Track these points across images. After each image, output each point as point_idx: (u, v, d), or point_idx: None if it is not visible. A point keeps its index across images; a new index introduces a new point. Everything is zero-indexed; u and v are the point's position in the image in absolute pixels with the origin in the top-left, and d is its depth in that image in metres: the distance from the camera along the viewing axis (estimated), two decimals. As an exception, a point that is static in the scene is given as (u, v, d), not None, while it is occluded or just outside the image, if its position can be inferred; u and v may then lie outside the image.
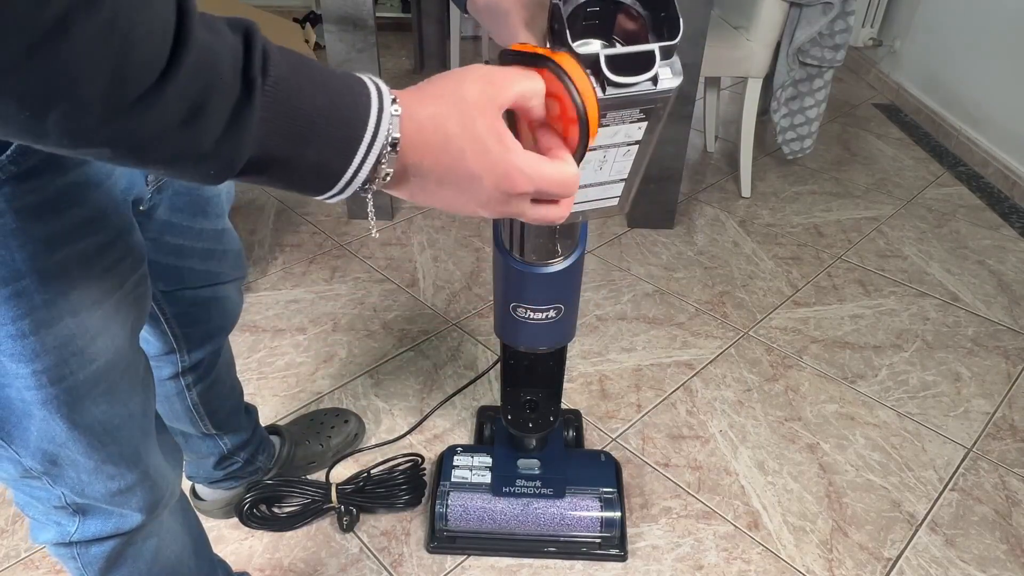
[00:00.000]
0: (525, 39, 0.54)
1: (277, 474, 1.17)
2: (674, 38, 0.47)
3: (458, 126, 0.42)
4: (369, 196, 0.44)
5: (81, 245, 0.54)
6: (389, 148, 0.41)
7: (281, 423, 1.32)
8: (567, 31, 0.46)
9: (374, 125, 0.40)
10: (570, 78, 0.44)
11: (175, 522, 0.80)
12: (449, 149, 0.42)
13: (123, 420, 0.63)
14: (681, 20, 0.47)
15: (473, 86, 0.43)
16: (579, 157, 0.47)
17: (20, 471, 0.61)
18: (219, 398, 1.01)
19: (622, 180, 0.58)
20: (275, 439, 1.19)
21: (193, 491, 1.16)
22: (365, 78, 0.42)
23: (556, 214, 0.48)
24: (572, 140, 0.46)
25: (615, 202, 0.60)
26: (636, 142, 0.53)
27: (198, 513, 0.92)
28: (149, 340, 0.87)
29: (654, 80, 0.47)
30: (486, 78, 0.43)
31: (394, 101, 0.41)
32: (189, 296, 0.85)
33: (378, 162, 0.41)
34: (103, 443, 0.62)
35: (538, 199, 0.46)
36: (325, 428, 1.25)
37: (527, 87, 0.44)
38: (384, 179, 0.42)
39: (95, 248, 0.55)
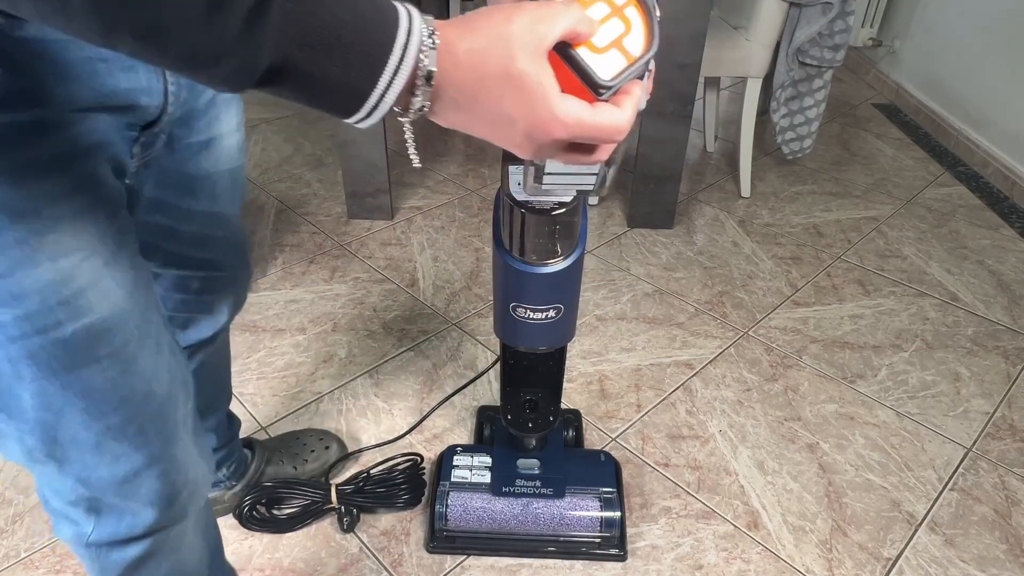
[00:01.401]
0: None
1: (242, 489, 1.14)
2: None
3: (498, 66, 0.41)
4: (407, 126, 0.43)
5: (49, 183, 0.51)
6: (423, 80, 0.40)
7: (272, 428, 1.32)
8: None
9: (401, 49, 0.39)
10: None
11: (197, 535, 0.76)
12: (486, 88, 0.41)
13: (134, 394, 0.60)
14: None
15: (520, 22, 0.41)
16: (642, 68, 0.46)
17: (24, 450, 0.59)
18: (197, 392, 0.98)
19: (593, 174, 0.60)
20: (247, 452, 1.16)
21: None
22: (399, 4, 0.40)
23: (591, 159, 0.47)
24: (631, 52, 0.46)
25: (591, 186, 0.63)
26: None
27: None
28: None
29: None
30: (534, 15, 0.42)
31: (433, 33, 0.40)
32: (178, 282, 0.83)
33: (411, 92, 0.40)
34: (103, 412, 0.59)
35: (576, 144, 0.46)
36: (305, 451, 1.21)
37: (575, 16, 0.43)
38: (420, 110, 0.41)
39: (66, 189, 0.53)
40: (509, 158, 0.76)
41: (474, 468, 1.13)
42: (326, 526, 1.15)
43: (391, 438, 1.29)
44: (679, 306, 1.67)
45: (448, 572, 1.09)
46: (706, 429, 1.35)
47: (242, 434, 1.30)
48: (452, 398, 1.36)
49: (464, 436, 1.31)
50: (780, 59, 2.02)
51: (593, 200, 2.01)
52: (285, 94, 0.39)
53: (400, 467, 1.16)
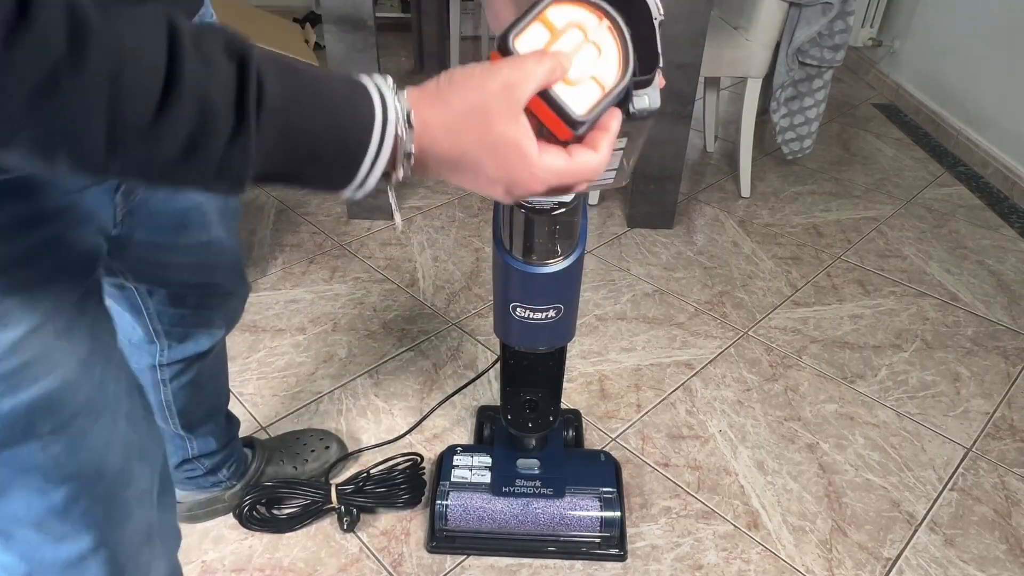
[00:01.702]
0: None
1: (241, 489, 1.14)
2: (649, 73, 0.48)
3: (476, 136, 0.43)
4: (390, 190, 0.44)
5: (5, 248, 0.48)
6: (404, 159, 0.42)
7: (272, 428, 1.32)
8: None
9: (377, 144, 0.41)
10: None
11: None
12: (466, 156, 0.43)
13: (81, 472, 0.56)
14: (661, 57, 0.48)
15: (493, 90, 0.43)
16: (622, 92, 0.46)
17: None
18: (196, 400, 0.97)
19: (612, 170, 0.60)
20: (247, 452, 1.16)
21: None
22: (371, 88, 0.42)
23: (567, 194, 0.50)
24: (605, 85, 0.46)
25: (610, 181, 0.63)
26: (620, 148, 0.56)
27: None
28: (132, 326, 0.84)
29: (627, 112, 0.49)
30: (507, 79, 0.43)
31: (408, 115, 0.42)
32: (174, 298, 0.82)
33: (392, 167, 0.42)
34: (44, 490, 0.54)
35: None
36: (305, 451, 1.21)
37: (547, 69, 0.44)
38: (400, 179, 0.43)
39: (25, 254, 0.49)
40: None
41: (474, 468, 1.13)
42: (326, 526, 1.15)
43: (391, 438, 1.29)
44: (679, 306, 1.67)
45: (448, 572, 1.09)
46: (706, 429, 1.35)
47: (242, 433, 1.30)
48: (452, 398, 1.36)
49: (464, 436, 1.31)
50: (780, 59, 2.02)
51: (593, 200, 2.01)
52: (277, 187, 0.42)
53: (400, 467, 1.16)
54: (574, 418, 1.32)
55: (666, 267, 1.80)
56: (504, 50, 0.46)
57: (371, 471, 1.15)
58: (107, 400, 0.57)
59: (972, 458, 1.31)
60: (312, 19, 3.07)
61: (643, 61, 0.49)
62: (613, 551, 1.11)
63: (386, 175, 0.43)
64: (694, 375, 1.47)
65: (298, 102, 0.39)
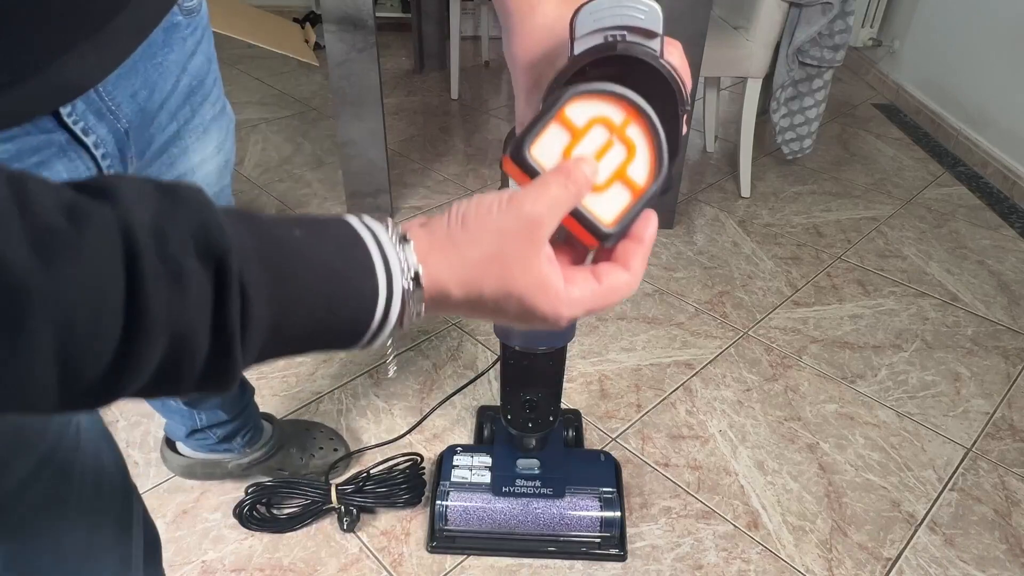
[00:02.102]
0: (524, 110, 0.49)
1: (248, 464, 1.15)
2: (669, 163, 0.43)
3: (495, 286, 0.37)
4: (389, 339, 0.39)
5: None
6: (414, 315, 0.36)
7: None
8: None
9: (380, 316, 0.35)
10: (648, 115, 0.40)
11: None
12: (483, 305, 0.38)
13: None
14: (682, 150, 0.45)
15: (512, 235, 0.37)
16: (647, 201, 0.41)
17: None
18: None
19: None
20: (265, 424, 1.18)
21: (169, 443, 1.16)
22: (373, 249, 0.35)
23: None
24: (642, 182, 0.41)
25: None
26: None
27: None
28: None
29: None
30: (528, 219, 0.37)
31: (417, 277, 0.35)
32: None
33: (398, 326, 0.37)
34: None
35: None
36: (315, 444, 1.22)
37: (571, 196, 0.39)
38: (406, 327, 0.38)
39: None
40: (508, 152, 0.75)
41: (474, 468, 1.13)
42: (326, 526, 1.15)
43: (391, 438, 1.29)
44: (679, 306, 1.67)
45: (448, 572, 1.09)
46: (706, 429, 1.35)
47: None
48: (452, 398, 1.35)
49: (464, 436, 1.31)
50: (780, 59, 2.02)
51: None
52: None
53: (400, 467, 1.16)
54: (574, 418, 1.32)
55: (666, 267, 1.80)
56: (519, 161, 0.39)
57: (371, 471, 1.15)
58: None
59: (972, 458, 1.31)
60: (312, 19, 3.07)
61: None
62: (613, 551, 1.11)
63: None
64: (694, 375, 1.47)
65: (290, 300, 0.32)
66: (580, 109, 0.40)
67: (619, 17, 0.42)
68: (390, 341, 0.40)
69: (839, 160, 2.37)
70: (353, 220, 0.35)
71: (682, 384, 1.45)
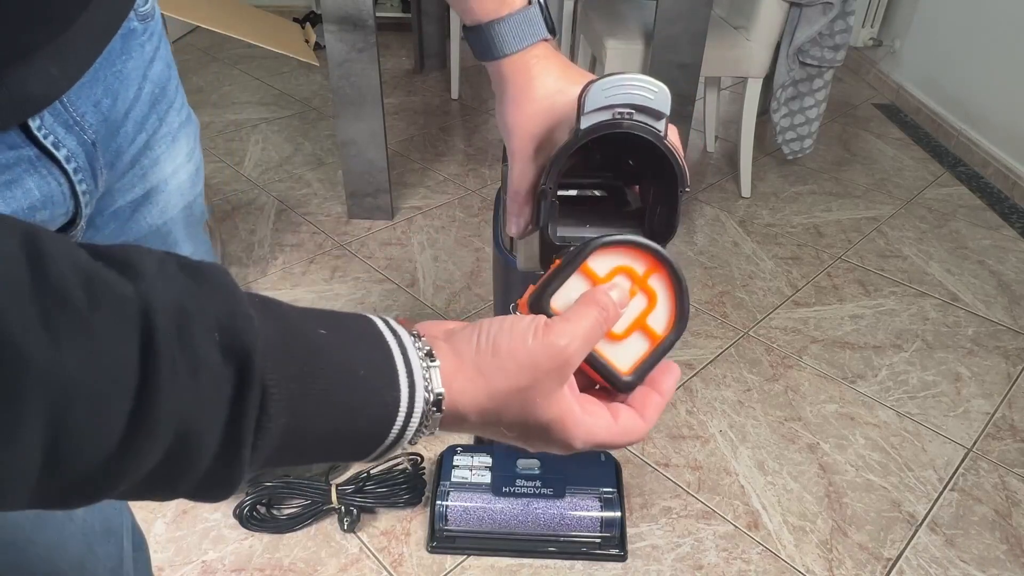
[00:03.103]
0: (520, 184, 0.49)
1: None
2: (662, 243, 0.43)
3: (515, 416, 0.36)
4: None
5: None
6: (426, 434, 0.35)
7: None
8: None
9: (396, 434, 0.33)
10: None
11: None
12: (500, 431, 0.37)
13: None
14: (673, 235, 0.44)
15: (547, 368, 0.35)
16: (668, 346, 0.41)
17: None
18: None
19: None
20: None
21: None
22: (400, 368, 0.33)
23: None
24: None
25: None
26: None
27: None
28: None
29: None
30: (561, 356, 0.35)
31: (439, 403, 0.34)
32: None
33: (416, 435, 0.35)
34: None
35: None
36: None
37: (601, 331, 0.38)
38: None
39: None
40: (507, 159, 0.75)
41: (474, 468, 1.13)
42: (326, 526, 1.15)
43: (391, 438, 1.29)
44: (679, 306, 1.67)
45: (448, 572, 1.09)
46: (706, 429, 1.35)
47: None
48: (452, 398, 1.35)
49: (464, 436, 1.31)
50: (780, 59, 2.02)
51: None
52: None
53: (400, 467, 1.16)
54: (574, 418, 1.32)
55: (666, 267, 1.80)
56: (537, 311, 0.39)
57: (371, 471, 1.15)
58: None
59: (972, 458, 1.31)
60: (312, 19, 3.07)
61: (657, 233, 0.45)
62: (613, 551, 1.11)
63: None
64: (694, 375, 1.47)
65: (309, 405, 0.30)
66: (603, 259, 0.40)
67: (629, 96, 0.42)
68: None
69: (839, 160, 2.37)
70: (380, 323, 0.34)
71: (682, 384, 1.45)
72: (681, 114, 1.77)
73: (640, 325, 0.40)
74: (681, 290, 0.40)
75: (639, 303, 0.40)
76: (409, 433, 0.33)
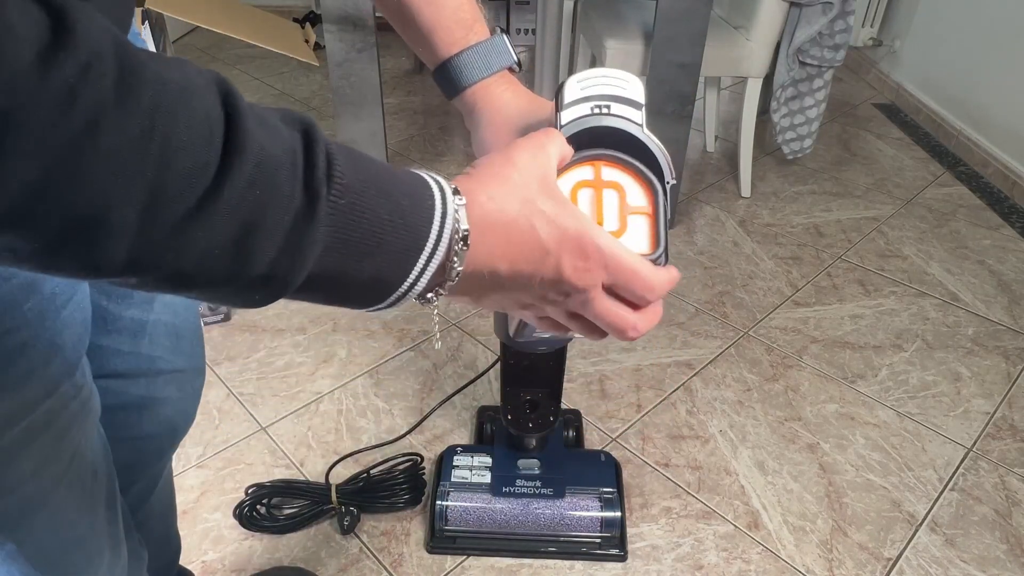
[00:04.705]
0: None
1: None
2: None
3: (519, 201, 0.38)
4: (436, 307, 0.39)
5: None
6: (460, 242, 0.36)
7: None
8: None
9: (437, 230, 0.35)
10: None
11: None
12: (518, 225, 0.38)
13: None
14: (665, 236, 0.43)
15: (522, 156, 0.40)
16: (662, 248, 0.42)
17: None
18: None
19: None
20: None
21: None
22: (426, 175, 0.37)
23: (634, 323, 0.41)
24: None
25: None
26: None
27: None
28: None
29: None
30: (531, 144, 0.40)
31: (456, 191, 0.37)
32: (113, 393, 0.64)
33: (446, 263, 0.36)
34: None
35: (615, 295, 0.41)
36: None
37: (561, 139, 0.42)
38: (455, 279, 0.37)
39: None
40: None
41: (474, 468, 1.13)
42: (326, 526, 1.14)
43: (391, 438, 1.29)
44: (679, 306, 1.67)
45: (448, 572, 1.09)
46: (706, 429, 1.35)
47: (241, 436, 1.30)
48: (452, 398, 1.35)
49: (464, 436, 1.31)
50: (780, 59, 2.02)
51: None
52: (303, 299, 0.34)
53: (400, 467, 1.16)
54: (574, 418, 1.32)
55: (666, 267, 1.80)
56: None
57: (371, 471, 1.15)
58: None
59: (973, 458, 1.31)
60: (312, 19, 3.07)
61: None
62: (613, 551, 1.11)
63: (428, 291, 0.37)
64: (694, 375, 1.47)
65: (366, 180, 0.32)
66: (565, 183, 0.42)
67: (604, 87, 0.43)
68: (436, 312, 0.41)
69: (839, 160, 2.37)
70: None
71: (682, 384, 1.45)
72: (681, 114, 1.77)
73: (627, 211, 0.42)
74: (630, 162, 0.42)
75: (612, 198, 0.42)
76: (446, 234, 0.35)
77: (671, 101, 1.75)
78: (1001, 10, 2.26)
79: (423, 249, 0.35)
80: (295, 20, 3.02)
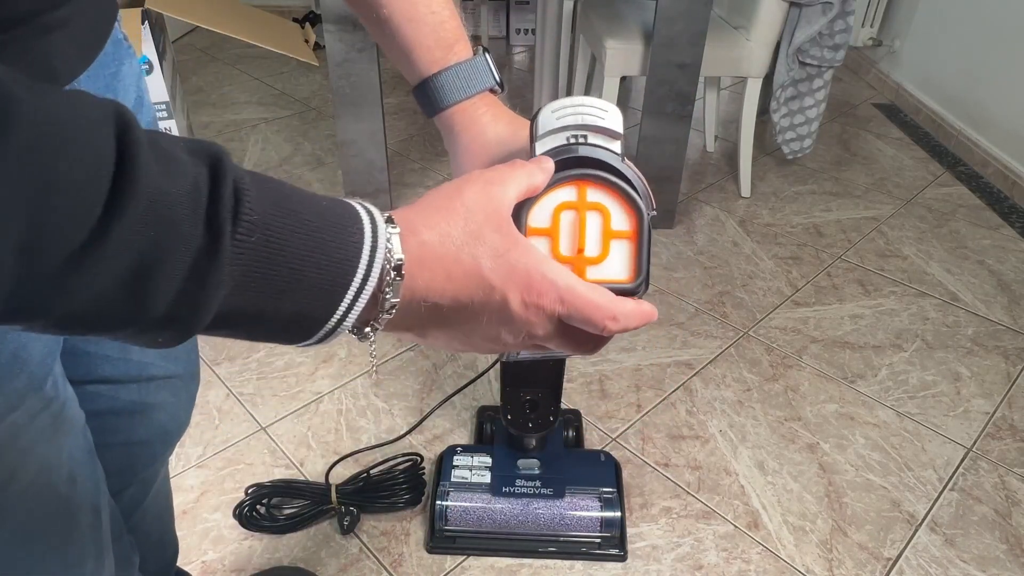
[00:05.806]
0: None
1: None
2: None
3: (463, 233, 0.36)
4: (372, 341, 0.37)
5: None
6: (393, 272, 0.34)
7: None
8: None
9: (367, 263, 0.33)
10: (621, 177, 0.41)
11: None
12: (459, 258, 0.36)
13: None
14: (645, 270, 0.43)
15: (472, 188, 0.38)
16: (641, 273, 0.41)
17: None
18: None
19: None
20: None
21: None
22: (356, 205, 0.35)
23: (593, 348, 0.41)
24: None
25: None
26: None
27: None
28: None
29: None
30: (483, 178, 0.39)
31: (390, 220, 0.35)
32: (103, 398, 0.64)
33: (378, 294, 0.34)
34: None
35: (573, 328, 0.40)
36: None
37: (526, 171, 0.40)
38: (389, 312, 0.35)
39: None
40: None
41: (474, 468, 1.13)
42: (326, 526, 1.15)
43: (391, 438, 1.29)
44: (679, 306, 1.67)
45: (448, 572, 1.09)
46: (706, 429, 1.35)
47: (241, 436, 1.30)
48: (452, 398, 1.35)
49: (464, 436, 1.31)
50: (780, 59, 2.02)
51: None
52: (223, 335, 0.33)
53: (400, 467, 1.16)
54: (574, 418, 1.32)
55: (666, 267, 1.80)
56: None
57: (371, 471, 1.15)
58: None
59: (972, 458, 1.31)
60: (312, 19, 3.07)
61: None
62: (613, 551, 1.11)
63: (362, 325, 0.36)
64: (694, 375, 1.47)
65: (282, 212, 0.31)
66: (539, 214, 0.41)
67: (580, 117, 0.41)
68: (372, 348, 0.39)
69: (839, 160, 2.37)
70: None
71: (682, 384, 1.45)
72: (681, 114, 1.77)
73: (610, 236, 0.41)
74: (616, 184, 0.41)
75: (595, 221, 0.41)
76: (373, 278, 0.33)
77: (671, 101, 1.75)
78: (1001, 10, 2.26)
79: (350, 284, 0.33)
80: (295, 20, 3.02)
